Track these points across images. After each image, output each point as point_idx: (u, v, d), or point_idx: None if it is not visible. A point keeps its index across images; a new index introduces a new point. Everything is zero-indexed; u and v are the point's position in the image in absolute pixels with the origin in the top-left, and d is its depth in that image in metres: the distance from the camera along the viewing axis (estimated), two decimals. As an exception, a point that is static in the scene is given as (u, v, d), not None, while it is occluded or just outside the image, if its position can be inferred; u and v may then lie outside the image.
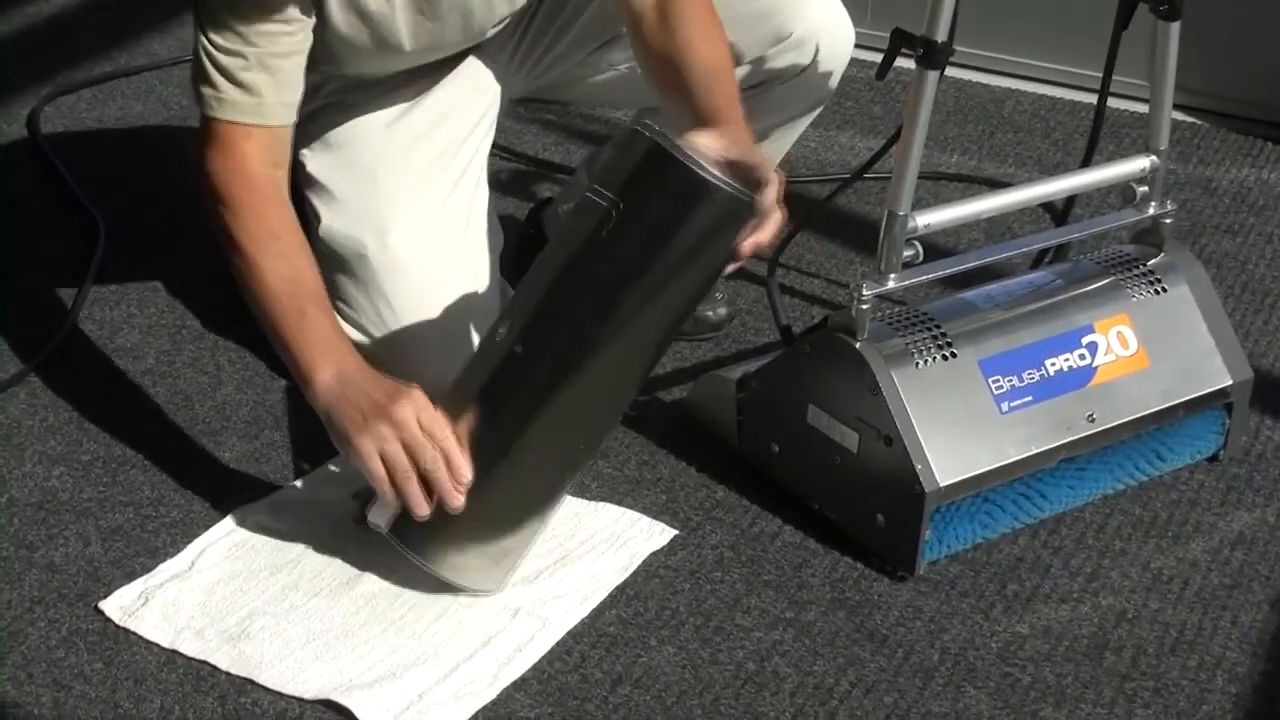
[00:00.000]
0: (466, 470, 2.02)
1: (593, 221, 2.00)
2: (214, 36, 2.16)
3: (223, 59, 2.16)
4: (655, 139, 1.98)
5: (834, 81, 2.53)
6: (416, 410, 2.02)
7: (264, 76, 2.16)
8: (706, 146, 2.00)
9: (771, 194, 2.05)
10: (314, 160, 2.40)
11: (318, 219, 2.39)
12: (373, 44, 2.31)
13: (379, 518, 2.08)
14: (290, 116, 2.21)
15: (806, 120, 2.59)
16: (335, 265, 2.37)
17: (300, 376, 2.11)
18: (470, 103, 2.47)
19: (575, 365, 2.03)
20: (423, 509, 2.02)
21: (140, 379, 2.53)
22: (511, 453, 2.05)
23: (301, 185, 2.41)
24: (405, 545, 2.08)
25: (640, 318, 2.03)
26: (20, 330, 2.62)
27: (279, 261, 2.14)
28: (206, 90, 2.17)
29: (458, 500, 2.02)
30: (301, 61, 2.21)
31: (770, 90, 2.48)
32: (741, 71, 2.40)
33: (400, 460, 2.01)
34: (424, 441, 2.01)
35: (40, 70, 3.38)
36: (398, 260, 2.36)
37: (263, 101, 2.17)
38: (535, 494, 2.11)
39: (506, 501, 2.09)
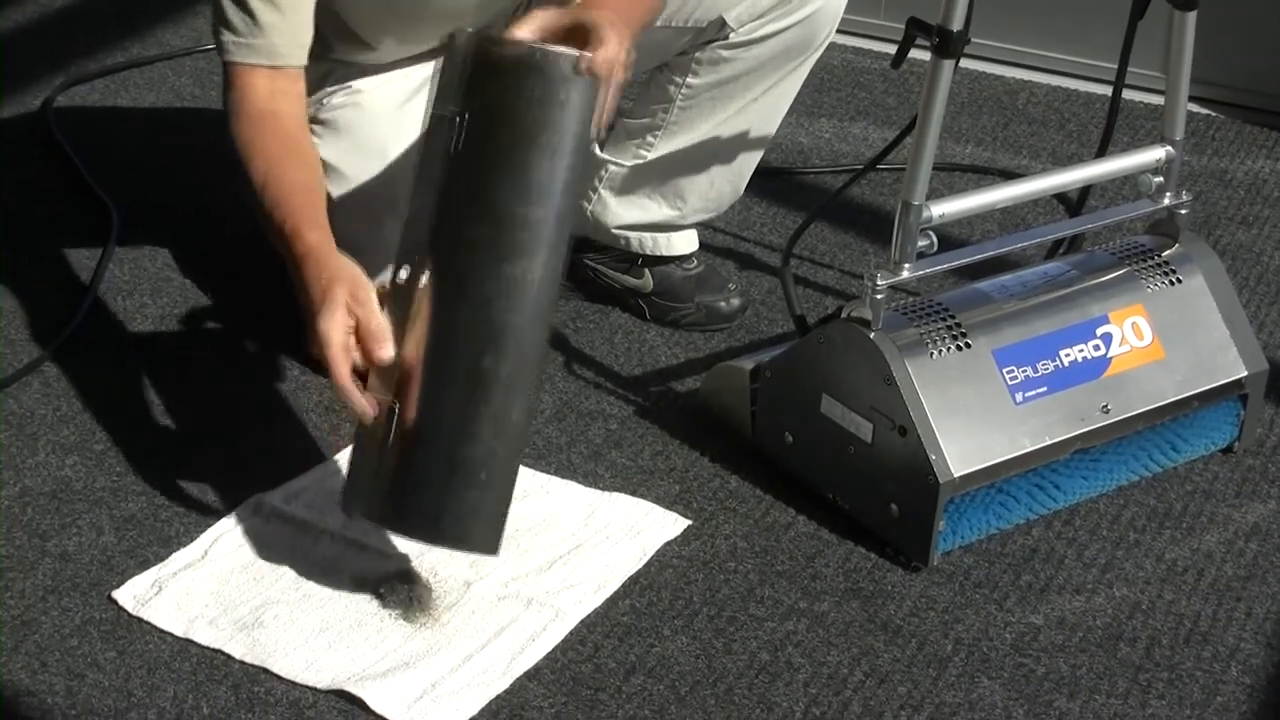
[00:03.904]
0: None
1: (445, 136, 2.01)
2: None
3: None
4: (463, 34, 2.01)
5: (831, 20, 2.49)
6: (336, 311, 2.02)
7: (275, 16, 2.23)
8: (523, 25, 2.04)
9: (607, 50, 2.02)
10: (325, 146, 2.41)
11: (331, 201, 2.39)
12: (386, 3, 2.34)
13: (356, 510, 2.07)
14: (301, 59, 2.27)
15: (800, 74, 2.55)
16: (349, 246, 2.36)
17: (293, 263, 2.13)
18: None
19: (467, 271, 2.00)
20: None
21: (153, 368, 2.53)
22: (436, 370, 2.00)
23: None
24: (397, 527, 2.06)
25: (518, 207, 2.00)
26: (33, 319, 2.62)
27: (274, 161, 2.21)
28: (223, 34, 2.25)
29: (386, 351, 2.00)
30: (311, 5, 2.27)
31: (763, 28, 2.45)
32: (738, 10, 2.42)
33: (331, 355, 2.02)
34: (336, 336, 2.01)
35: (54, 60, 3.38)
36: None
37: (271, 43, 2.24)
38: (469, 418, 2.02)
39: (452, 435, 2.01)
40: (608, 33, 2.02)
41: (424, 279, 2.01)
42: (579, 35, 2.03)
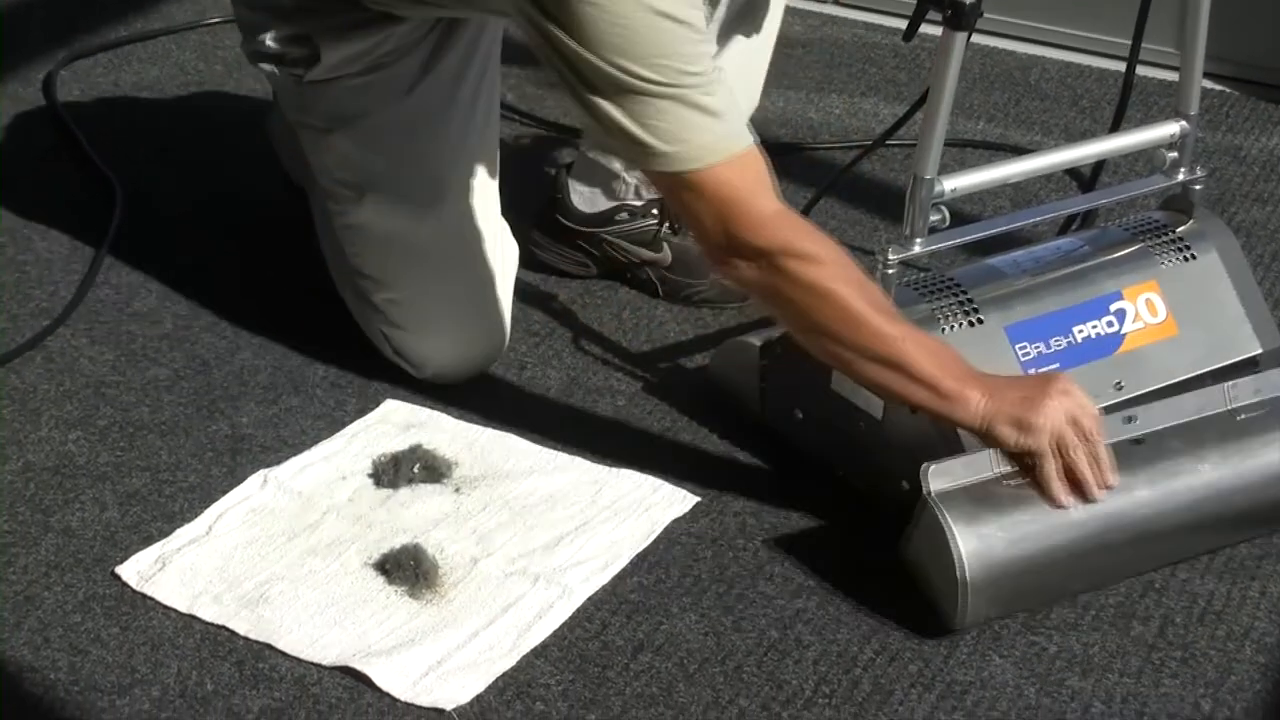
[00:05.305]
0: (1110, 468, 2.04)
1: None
2: (646, 73, 1.95)
3: (677, 91, 1.94)
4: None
5: None
6: (1077, 393, 2.03)
7: (723, 93, 2.00)
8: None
9: None
10: (343, 140, 2.40)
11: (359, 191, 2.40)
12: None
13: (937, 481, 2.03)
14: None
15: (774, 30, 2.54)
16: (375, 245, 2.40)
17: (945, 398, 2.02)
18: (482, 58, 2.46)
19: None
20: (1067, 499, 2.03)
21: (157, 343, 2.52)
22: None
23: (331, 166, 2.42)
24: (946, 516, 2.02)
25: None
26: (37, 295, 2.61)
27: (864, 290, 2.03)
28: (695, 133, 1.96)
29: (1099, 492, 2.03)
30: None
31: None
32: None
33: (1069, 435, 2.01)
34: (1093, 411, 2.03)
35: (56, 34, 3.37)
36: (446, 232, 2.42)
37: (731, 127, 2.00)
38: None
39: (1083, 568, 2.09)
40: None
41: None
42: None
